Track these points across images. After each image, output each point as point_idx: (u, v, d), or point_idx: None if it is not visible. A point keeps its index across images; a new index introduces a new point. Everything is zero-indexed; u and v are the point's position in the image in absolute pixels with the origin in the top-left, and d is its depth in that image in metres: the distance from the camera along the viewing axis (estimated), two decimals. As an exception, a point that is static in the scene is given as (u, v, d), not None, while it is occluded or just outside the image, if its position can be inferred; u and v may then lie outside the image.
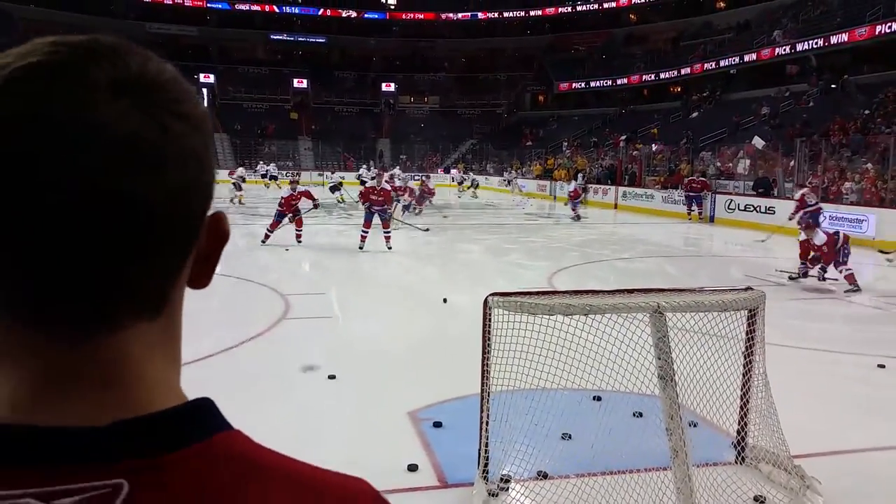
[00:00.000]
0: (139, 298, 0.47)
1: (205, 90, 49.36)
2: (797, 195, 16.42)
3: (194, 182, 0.48)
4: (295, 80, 51.23)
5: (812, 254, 9.69)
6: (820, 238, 9.58)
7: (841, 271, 9.40)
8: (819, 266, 9.66)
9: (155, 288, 0.48)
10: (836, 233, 9.78)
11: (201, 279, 0.53)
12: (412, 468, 3.88)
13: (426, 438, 4.35)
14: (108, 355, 0.47)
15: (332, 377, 5.42)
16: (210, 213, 0.52)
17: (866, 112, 23.87)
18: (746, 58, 34.64)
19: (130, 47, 0.48)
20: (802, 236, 9.85)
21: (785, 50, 32.21)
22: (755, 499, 3.51)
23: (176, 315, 0.52)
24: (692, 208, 21.13)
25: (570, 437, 4.22)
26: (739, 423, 3.98)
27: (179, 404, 0.49)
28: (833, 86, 28.81)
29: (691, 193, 21.27)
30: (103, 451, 0.44)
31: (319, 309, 7.97)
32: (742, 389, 3.96)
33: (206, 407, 0.50)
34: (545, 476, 3.69)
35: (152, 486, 0.44)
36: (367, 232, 12.87)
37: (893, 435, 4.55)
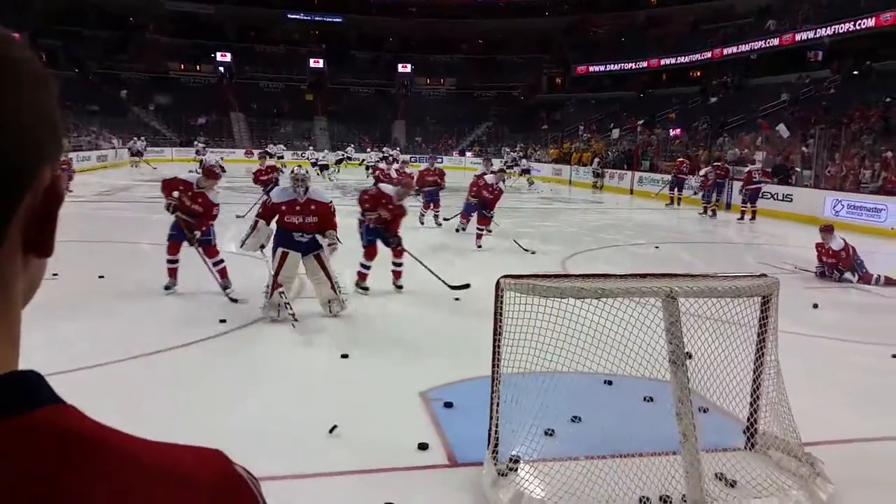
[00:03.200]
0: None
1: (221, 68, 49.41)
2: (701, 172, 18.74)
3: (9, 130, 0.44)
4: (311, 60, 51.08)
5: (825, 258, 9.57)
6: (837, 243, 9.45)
7: (864, 278, 9.32)
8: (835, 269, 9.53)
9: None
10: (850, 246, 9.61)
11: (42, 246, 0.48)
12: (422, 447, 3.92)
13: (437, 418, 4.39)
14: None
15: (344, 356, 5.47)
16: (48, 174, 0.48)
17: (888, 99, 23.45)
18: (767, 43, 34.12)
19: None
20: (819, 238, 9.69)
21: (806, 35, 31.69)
22: (733, 485, 3.50)
23: (5, 285, 0.47)
24: (712, 196, 19.57)
25: (580, 419, 4.24)
26: (750, 410, 3.97)
27: None
28: (855, 72, 28.33)
29: (719, 180, 19.58)
30: None
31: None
32: (753, 376, 3.95)
33: (28, 379, 0.45)
34: (552, 433, 3.71)
35: None
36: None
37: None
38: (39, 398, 0.45)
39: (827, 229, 9.70)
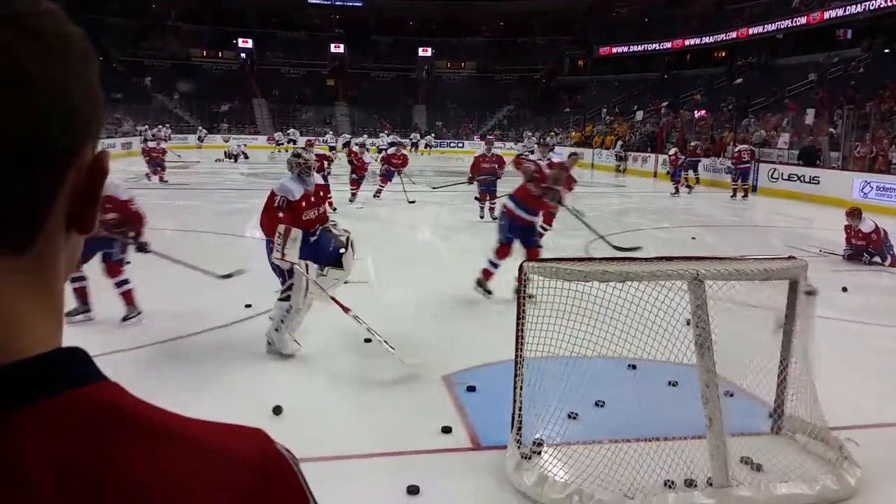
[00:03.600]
0: (4, 224, 0.44)
1: (243, 55, 49.59)
2: (735, 150, 19.00)
3: (55, 109, 0.45)
4: (332, 45, 51.07)
5: (854, 241, 9.41)
6: (867, 226, 9.28)
7: (893, 260, 9.16)
8: (865, 251, 9.37)
9: (19, 216, 0.44)
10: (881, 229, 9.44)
11: (84, 222, 0.49)
12: (446, 430, 3.93)
13: (460, 402, 4.40)
14: None
15: (367, 340, 5.49)
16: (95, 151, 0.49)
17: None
18: (794, 22, 33.41)
19: None
20: (846, 221, 9.51)
21: (835, 13, 30.97)
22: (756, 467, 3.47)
23: (50, 261, 0.48)
24: (737, 181, 19.11)
25: (604, 403, 4.23)
26: (777, 394, 3.93)
27: (42, 352, 0.45)
28: (886, 50, 27.67)
29: (742, 166, 19.13)
30: None
31: (355, 274, 8.04)
32: (780, 359, 3.91)
33: (72, 357, 0.46)
34: (576, 416, 3.71)
35: (4, 439, 0.41)
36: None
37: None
38: (87, 375, 0.46)
39: (854, 213, 9.52)
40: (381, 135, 36.21)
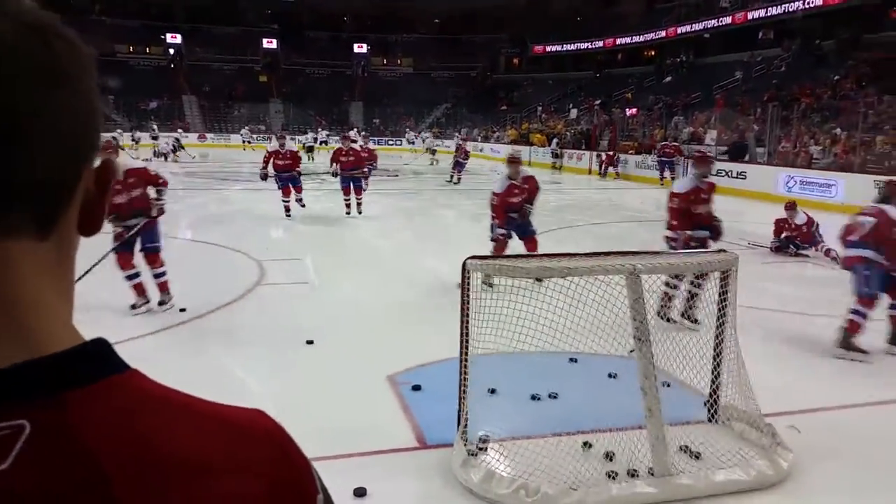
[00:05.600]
0: (28, 205, 0.47)
1: (171, 50, 48.14)
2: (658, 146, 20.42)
3: (81, 104, 0.49)
4: (265, 41, 50.10)
5: (785, 233, 9.85)
6: (800, 218, 9.77)
7: (820, 249, 9.61)
8: (792, 243, 9.82)
9: (44, 202, 0.48)
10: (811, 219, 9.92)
11: (91, 224, 0.53)
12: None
13: (405, 401, 4.39)
14: None
15: (309, 342, 5.42)
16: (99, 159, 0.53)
17: (836, 78, 24.05)
18: (720, 21, 34.60)
19: None
20: (784, 214, 9.94)
21: (758, 14, 32.22)
22: (693, 455, 3.59)
23: (66, 251, 0.52)
24: (664, 173, 21.28)
25: (547, 397, 4.29)
26: (712, 383, 4.06)
27: (79, 344, 0.49)
28: (805, 51, 28.97)
29: (664, 159, 21.40)
30: (4, 393, 0.44)
31: (295, 275, 7.93)
32: (714, 350, 4.04)
33: (105, 347, 0.51)
34: (520, 412, 3.75)
35: (56, 424, 0.44)
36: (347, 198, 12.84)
37: (861, 393, 4.70)
38: (115, 364, 0.50)
39: (791, 206, 10.04)
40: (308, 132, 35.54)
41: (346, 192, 12.59)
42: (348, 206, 12.62)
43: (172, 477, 0.46)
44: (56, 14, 0.50)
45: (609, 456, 3.54)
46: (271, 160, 12.40)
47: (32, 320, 0.48)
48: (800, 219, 9.83)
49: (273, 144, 13.12)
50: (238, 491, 0.48)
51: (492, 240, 7.44)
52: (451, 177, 20.67)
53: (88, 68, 0.51)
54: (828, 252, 9.50)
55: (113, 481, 0.43)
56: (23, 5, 0.48)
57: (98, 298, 6.52)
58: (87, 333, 0.51)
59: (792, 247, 9.82)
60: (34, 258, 0.48)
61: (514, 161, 7.85)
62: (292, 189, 12.49)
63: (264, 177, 12.57)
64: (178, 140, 30.07)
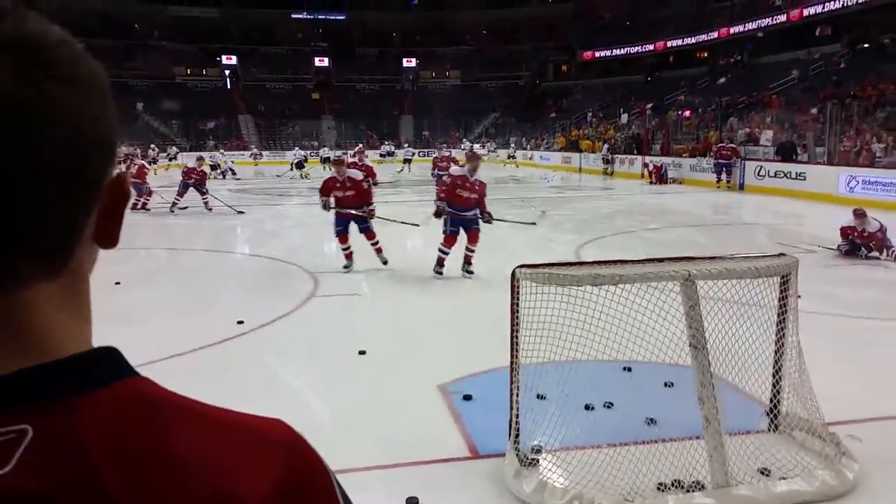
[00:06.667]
0: (39, 256, 0.48)
1: (227, 71, 49.56)
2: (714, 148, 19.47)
3: (84, 141, 0.48)
4: (316, 59, 51.16)
5: (851, 238, 9.39)
6: (873, 226, 9.23)
7: (891, 254, 9.15)
8: (864, 246, 9.36)
9: (55, 245, 0.49)
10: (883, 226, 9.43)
11: (107, 238, 0.53)
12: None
13: (457, 411, 4.38)
14: (9, 314, 0.48)
15: (362, 353, 5.47)
16: (114, 173, 0.53)
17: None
18: (774, 20, 33.74)
19: (8, 9, 0.47)
20: (853, 222, 9.38)
21: (814, 10, 31.30)
22: (761, 471, 3.47)
23: (81, 272, 0.53)
24: (721, 176, 20.80)
25: (601, 407, 4.23)
26: (772, 391, 3.94)
27: (84, 351, 0.50)
28: (866, 45, 27.95)
29: (721, 161, 20.91)
30: (7, 398, 0.45)
31: (347, 287, 8.03)
32: (775, 357, 3.91)
33: (112, 354, 0.51)
34: (573, 422, 3.70)
35: (59, 429, 0.45)
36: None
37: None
38: (122, 370, 0.51)
39: (861, 213, 9.42)
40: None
41: (344, 239, 8.76)
42: (349, 256, 8.76)
43: (174, 479, 0.46)
44: (58, 32, 0.49)
45: (665, 467, 3.47)
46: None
47: (45, 343, 0.49)
48: (872, 226, 9.21)
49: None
50: (244, 491, 0.48)
51: (435, 214, 8.52)
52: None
53: (87, 96, 0.49)
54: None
55: (110, 485, 0.44)
56: (17, 27, 0.46)
57: (161, 314, 6.74)
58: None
59: (863, 249, 9.36)
60: (47, 296, 0.49)
61: (473, 157, 8.78)
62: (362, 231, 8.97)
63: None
64: (305, 157, 30.51)
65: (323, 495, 0.53)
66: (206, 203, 15.86)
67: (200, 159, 17.14)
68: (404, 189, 22.18)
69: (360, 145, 20.12)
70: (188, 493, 0.46)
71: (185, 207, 15.83)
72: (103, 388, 0.48)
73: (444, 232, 8.38)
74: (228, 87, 49.41)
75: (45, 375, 0.47)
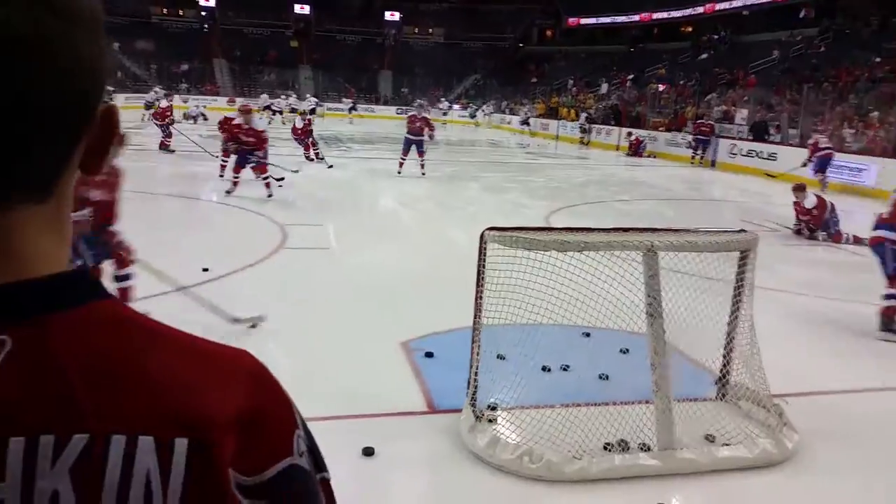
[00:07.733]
0: (30, 181, 0.50)
1: (204, 13, 48.16)
2: (811, 140, 16.45)
3: (80, 75, 0.50)
4: (297, 6, 49.89)
5: (800, 216, 9.73)
6: (810, 201, 9.57)
7: (830, 234, 9.49)
8: (806, 227, 9.71)
9: (46, 171, 0.51)
10: (828, 203, 9.70)
11: (93, 166, 0.56)
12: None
13: (417, 367, 4.46)
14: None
15: (326, 305, 5.51)
16: (104, 105, 0.55)
17: (877, 59, 23.35)
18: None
19: None
20: (793, 196, 9.76)
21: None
22: (706, 437, 3.62)
23: (66, 196, 0.55)
24: (697, 152, 20.90)
25: (560, 369, 4.34)
26: (723, 362, 4.07)
27: (62, 271, 0.52)
28: (847, 31, 28.14)
29: (701, 137, 20.90)
30: None
31: (317, 241, 8.02)
32: (728, 329, 4.04)
33: (89, 276, 0.54)
34: (529, 383, 3.80)
35: (36, 341, 0.47)
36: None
37: (871, 377, 4.69)
38: (98, 291, 0.53)
39: (799, 187, 9.81)
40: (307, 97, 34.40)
41: (263, 169, 10.79)
42: (234, 183, 10.75)
43: (142, 394, 0.49)
44: None
45: (615, 428, 3.59)
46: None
47: (25, 256, 0.51)
48: (809, 202, 9.56)
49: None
50: (210, 411, 0.50)
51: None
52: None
53: (95, 30, 0.52)
54: (840, 238, 9.35)
55: (80, 395, 0.47)
56: None
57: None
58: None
59: (805, 230, 9.69)
60: (35, 219, 0.51)
61: (246, 111, 10.82)
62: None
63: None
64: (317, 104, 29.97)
65: (284, 426, 0.55)
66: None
67: (169, 96, 17.49)
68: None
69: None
70: (154, 408, 0.48)
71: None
72: (81, 307, 0.50)
73: None
74: (205, 29, 48.07)
75: (25, 291, 0.49)
